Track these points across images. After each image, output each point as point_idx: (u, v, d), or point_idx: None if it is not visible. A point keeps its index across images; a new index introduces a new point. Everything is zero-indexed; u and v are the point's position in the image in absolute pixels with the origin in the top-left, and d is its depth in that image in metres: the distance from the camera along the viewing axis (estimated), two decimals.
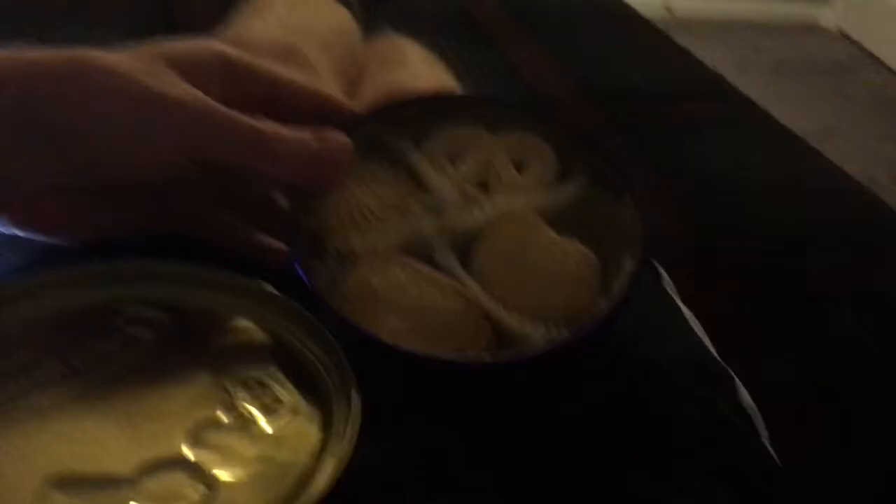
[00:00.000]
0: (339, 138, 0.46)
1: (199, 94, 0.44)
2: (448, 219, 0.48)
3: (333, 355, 0.42)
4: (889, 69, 2.56)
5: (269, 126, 0.45)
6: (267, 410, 0.40)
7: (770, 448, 0.54)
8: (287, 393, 0.41)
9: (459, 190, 0.49)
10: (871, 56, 2.63)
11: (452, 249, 0.47)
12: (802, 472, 0.55)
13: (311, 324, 0.43)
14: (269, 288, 0.45)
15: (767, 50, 2.65)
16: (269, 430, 0.39)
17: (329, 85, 0.53)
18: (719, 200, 0.78)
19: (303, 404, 0.41)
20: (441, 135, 0.51)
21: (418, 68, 0.72)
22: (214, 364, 0.43)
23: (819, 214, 0.76)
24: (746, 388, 0.57)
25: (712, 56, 1.06)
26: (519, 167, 0.50)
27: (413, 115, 0.51)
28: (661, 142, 0.83)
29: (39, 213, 0.46)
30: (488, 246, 0.47)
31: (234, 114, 0.44)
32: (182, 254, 0.46)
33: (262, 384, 0.41)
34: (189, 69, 0.45)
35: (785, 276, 0.70)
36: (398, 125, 0.51)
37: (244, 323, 0.44)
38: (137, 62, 0.44)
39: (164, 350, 0.43)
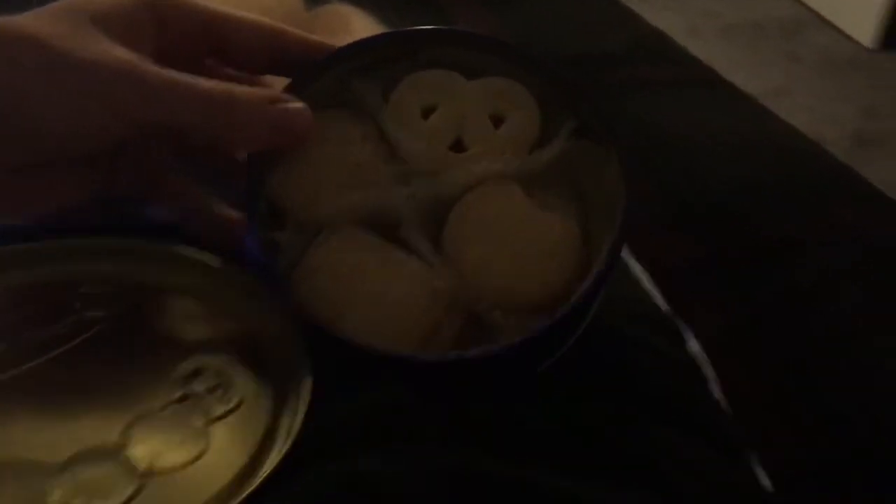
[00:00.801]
0: (293, 104, 0.42)
1: (128, 54, 0.41)
2: (418, 186, 0.43)
3: (289, 333, 0.40)
4: (837, 29, 2.58)
5: (212, 84, 0.41)
6: (217, 395, 0.39)
7: (721, 396, 0.53)
8: (240, 375, 0.40)
9: (431, 151, 0.44)
10: (819, 17, 2.65)
11: (422, 221, 0.43)
12: (755, 420, 0.55)
13: (268, 301, 0.42)
14: (227, 263, 0.43)
15: (717, 14, 2.66)
16: (218, 415, 0.38)
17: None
18: (671, 159, 0.78)
19: (256, 386, 0.39)
20: (412, 82, 0.45)
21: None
22: (166, 345, 0.41)
23: (772, 170, 0.77)
24: (702, 338, 0.56)
25: (661, 22, 1.06)
26: (497, 120, 0.44)
27: (382, 57, 0.45)
28: (611, 104, 0.83)
29: None
30: (461, 219, 0.42)
31: (166, 73, 0.41)
32: (140, 232, 0.45)
33: (215, 369, 0.40)
34: (115, 23, 0.41)
35: (738, 231, 0.71)
36: (365, 69, 0.45)
37: (200, 301, 0.43)
38: (58, 26, 0.40)
39: (116, 332, 0.41)
